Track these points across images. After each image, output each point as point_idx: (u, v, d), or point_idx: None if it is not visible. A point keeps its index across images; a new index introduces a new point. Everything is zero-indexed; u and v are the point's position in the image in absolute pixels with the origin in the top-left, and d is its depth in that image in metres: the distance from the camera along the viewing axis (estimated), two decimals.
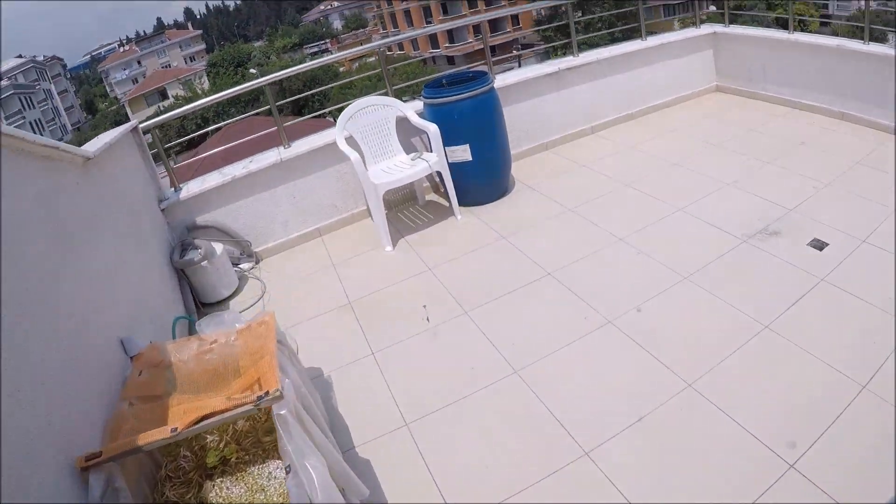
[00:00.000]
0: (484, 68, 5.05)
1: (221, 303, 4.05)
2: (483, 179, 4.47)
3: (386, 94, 4.64)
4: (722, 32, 5.77)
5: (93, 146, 3.13)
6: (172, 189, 4.39)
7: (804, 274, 3.13)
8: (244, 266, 4.51)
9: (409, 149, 4.68)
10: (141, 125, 4.15)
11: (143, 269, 3.29)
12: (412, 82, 5.57)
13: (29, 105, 38.73)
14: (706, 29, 5.87)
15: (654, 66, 5.66)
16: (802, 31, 5.61)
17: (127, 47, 55.06)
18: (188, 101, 35.52)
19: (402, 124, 4.50)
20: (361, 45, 46.73)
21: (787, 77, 5.27)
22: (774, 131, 4.93)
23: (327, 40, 56.75)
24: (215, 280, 4.04)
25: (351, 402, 2.86)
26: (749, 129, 5.04)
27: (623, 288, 3.28)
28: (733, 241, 3.52)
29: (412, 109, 4.43)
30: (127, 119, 39.88)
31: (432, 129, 4.09)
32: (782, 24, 5.74)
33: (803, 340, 2.68)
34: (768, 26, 6.39)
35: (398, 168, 4.26)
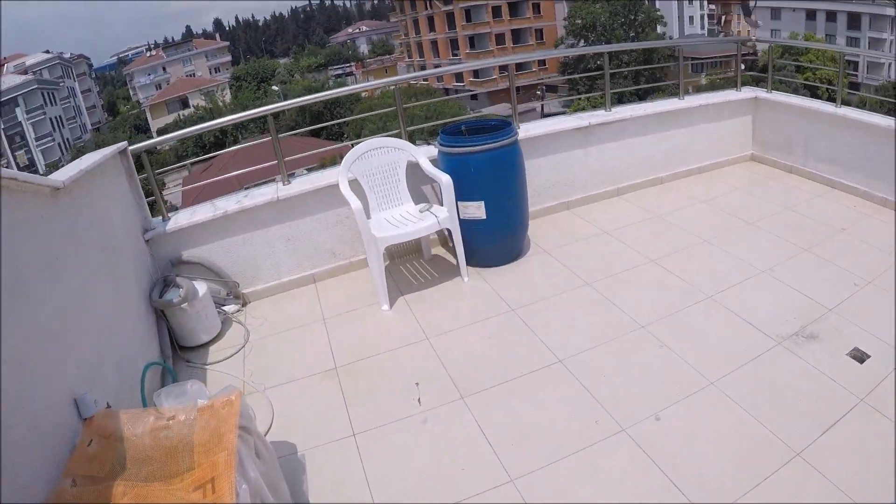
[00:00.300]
0: (509, 116, 4.76)
1: (201, 348, 3.72)
2: (496, 240, 4.13)
3: (399, 135, 4.33)
4: (763, 98, 5.47)
5: (65, 174, 2.82)
6: (160, 218, 4.06)
7: (843, 392, 2.77)
8: (229, 308, 4.17)
9: (418, 198, 4.36)
10: (131, 148, 3.84)
11: (115, 309, 2.99)
12: (430, 124, 5.25)
13: (51, 101, 38.99)
14: (747, 93, 5.57)
15: (690, 129, 5.36)
16: (829, 99, 5.29)
17: (154, 52, 55.73)
18: (208, 112, 35.70)
19: (413, 170, 4.20)
20: (386, 70, 47.03)
21: (829, 153, 4.94)
22: (813, 213, 4.59)
23: (352, 63, 57.27)
24: (195, 323, 3.70)
25: (323, 493, 2.49)
26: (786, 208, 4.70)
27: (641, 387, 2.91)
28: (767, 342, 3.15)
29: (425, 155, 4.13)
30: (146, 124, 40.33)
31: (445, 180, 3.77)
32: (811, 90, 5.43)
33: (837, 475, 2.31)
34: (796, 90, 6.05)
35: (404, 220, 3.93)
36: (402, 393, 3.04)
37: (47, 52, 45.22)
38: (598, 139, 4.97)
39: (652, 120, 5.14)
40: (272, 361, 3.48)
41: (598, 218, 4.87)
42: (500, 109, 32.99)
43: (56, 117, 39.09)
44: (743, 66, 5.75)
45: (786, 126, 5.33)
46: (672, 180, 5.47)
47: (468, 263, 4.15)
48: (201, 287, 3.80)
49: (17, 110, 35.59)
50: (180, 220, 4.01)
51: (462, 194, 3.91)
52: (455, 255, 4.09)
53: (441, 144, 3.99)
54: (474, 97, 38.80)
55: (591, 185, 5.11)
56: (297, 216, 4.20)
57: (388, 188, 4.14)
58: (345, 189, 3.83)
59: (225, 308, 4.17)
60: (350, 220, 4.28)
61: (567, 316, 3.54)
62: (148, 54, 55.86)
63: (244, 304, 4.22)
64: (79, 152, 34.02)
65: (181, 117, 36.28)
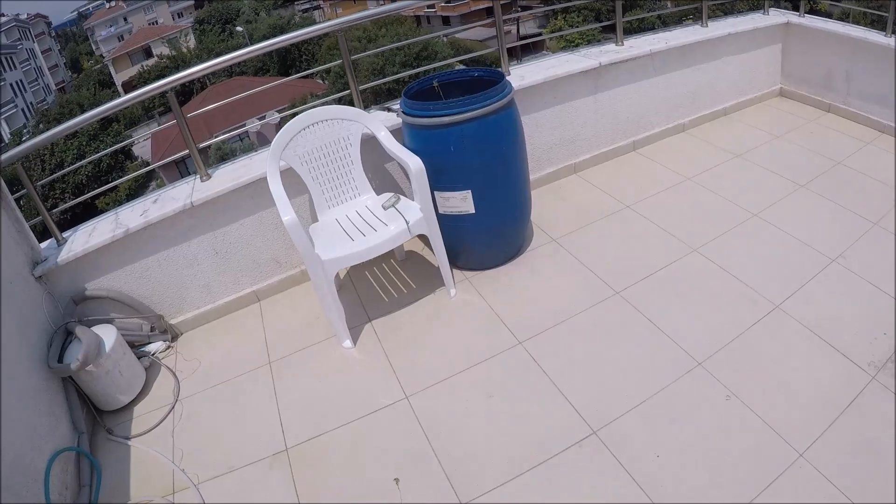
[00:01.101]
0: (492, 52, 3.71)
1: (123, 410, 2.78)
2: (490, 237, 3.12)
3: (351, 102, 3.22)
4: (797, 24, 4.34)
5: None
6: (54, 242, 3.02)
7: None
8: (155, 348, 3.18)
9: (381, 182, 3.30)
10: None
11: None
12: (385, 80, 4.08)
13: (10, 66, 36.60)
14: (776, 17, 4.43)
15: (715, 64, 4.26)
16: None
17: (114, 3, 52.36)
18: (173, 60, 33.58)
19: (372, 145, 3.10)
20: (355, 1, 44.26)
21: (878, 91, 3.85)
22: (869, 167, 3.58)
23: None
24: (106, 384, 2.74)
25: None
26: (835, 162, 3.67)
27: (707, 471, 1.94)
28: (858, 375, 2.23)
29: (384, 127, 3.03)
30: (110, 79, 38.04)
31: (414, 165, 2.72)
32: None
33: None
34: (829, 15, 4.92)
35: (363, 223, 2.89)
36: (374, 492, 2.09)
37: (1, 15, 42.25)
38: (610, 82, 3.87)
39: (673, 55, 4.02)
40: (207, 434, 2.55)
41: (614, 184, 3.82)
42: (478, 33, 30.76)
43: (17, 82, 36.82)
44: None
45: (823, 58, 4.24)
46: (695, 126, 4.41)
47: (457, 264, 3.13)
48: (109, 336, 2.80)
49: None
50: (76, 244, 2.97)
51: (440, 181, 2.86)
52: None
53: (406, 112, 2.88)
54: (446, 21, 36.47)
55: (603, 141, 4.03)
56: (223, 222, 3.15)
57: (339, 175, 3.08)
58: (275, 187, 2.77)
59: (150, 348, 3.18)
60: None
61: (595, 351, 2.56)
62: (108, 6, 52.43)
63: (174, 339, 3.22)
64: (43, 115, 32.21)
65: (144, 68, 34.16)
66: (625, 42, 4.01)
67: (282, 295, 3.36)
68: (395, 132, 3.06)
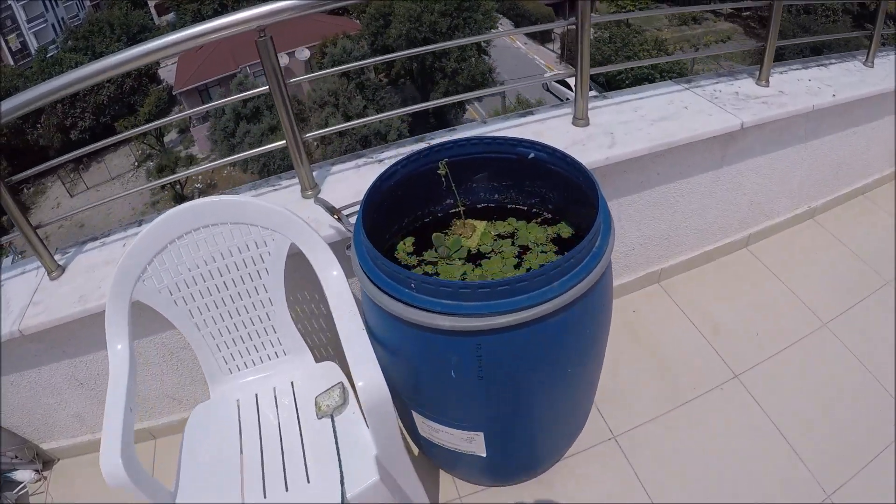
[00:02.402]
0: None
1: None
2: (505, 463, 1.54)
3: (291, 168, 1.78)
4: None
5: None
6: None
7: None
8: (23, 477, 1.90)
9: (329, 327, 1.75)
10: None
11: None
12: (332, 130, 2.51)
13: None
14: None
15: (874, 124, 2.66)
16: None
17: None
18: None
19: (301, 262, 1.54)
20: None
21: None
22: None
23: None
24: None
25: None
26: None
27: None
28: None
29: (335, 261, 1.56)
30: (143, 1, 35.86)
31: (367, 390, 1.20)
32: None
33: None
34: None
35: (277, 441, 1.41)
36: None
37: None
38: (743, 151, 2.28)
39: (834, 112, 2.35)
40: None
41: (716, 312, 2.32)
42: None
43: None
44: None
45: None
46: (827, 210, 2.81)
47: (444, 468, 1.62)
48: None
49: None
50: None
51: (426, 408, 1.32)
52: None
53: (368, 274, 1.27)
54: None
55: (709, 235, 2.45)
56: (83, 349, 1.83)
57: (244, 320, 1.66)
58: (116, 359, 1.43)
59: (15, 475, 1.83)
60: (185, 351, 1.93)
61: None
62: None
63: (45, 464, 1.93)
64: (71, 33, 30.42)
65: None
66: (770, 80, 2.33)
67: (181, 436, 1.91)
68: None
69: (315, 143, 18.69)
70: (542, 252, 1.45)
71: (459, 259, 1.45)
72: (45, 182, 24.41)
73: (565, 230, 1.51)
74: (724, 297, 2.39)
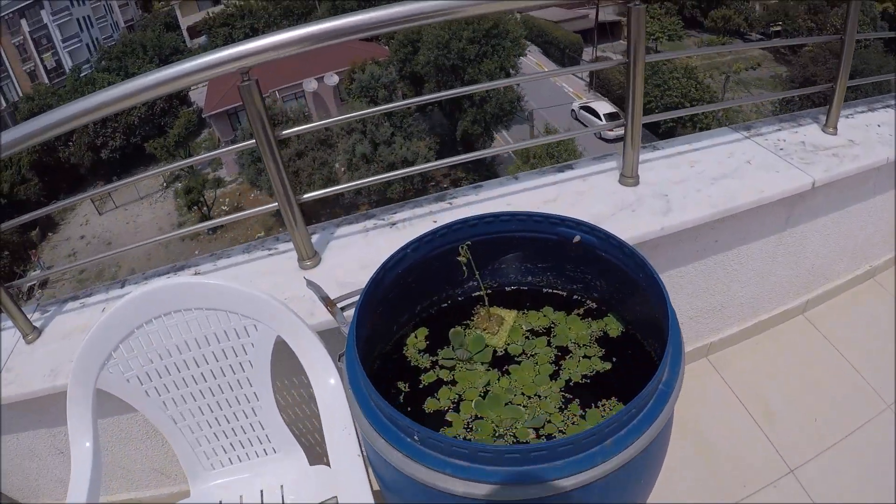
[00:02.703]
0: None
1: None
2: None
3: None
4: None
5: None
6: None
7: None
8: None
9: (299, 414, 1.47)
10: None
11: None
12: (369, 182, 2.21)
13: (80, 1, 35.52)
14: None
15: None
16: None
17: None
18: (238, 8, 31.88)
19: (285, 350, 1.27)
20: None
21: None
22: None
23: None
24: None
25: None
26: None
27: None
28: None
29: (332, 365, 1.16)
30: (176, 22, 36.53)
31: None
32: None
33: None
34: None
35: None
36: None
37: None
38: (810, 210, 1.94)
39: None
40: None
41: (773, 393, 2.01)
42: (554, 13, 27.44)
43: (84, 17, 35.70)
44: None
45: None
46: (887, 268, 2.47)
47: None
48: None
49: (42, 12, 32.46)
50: None
51: None
52: None
53: (362, 408, 0.97)
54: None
55: (765, 304, 2.14)
56: (60, 420, 1.48)
57: (227, 415, 1.39)
58: (77, 447, 1.24)
59: None
60: None
61: None
62: None
63: None
64: (105, 53, 31.10)
65: (210, 15, 32.56)
66: (838, 126, 2.02)
67: None
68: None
69: (342, 170, 18.59)
70: (584, 357, 1.16)
71: (482, 364, 1.16)
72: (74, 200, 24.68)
73: (613, 326, 1.21)
74: (779, 374, 2.08)
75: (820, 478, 1.76)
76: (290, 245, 1.65)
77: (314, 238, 1.69)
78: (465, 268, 1.18)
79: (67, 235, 23.95)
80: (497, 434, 1.05)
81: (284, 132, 1.46)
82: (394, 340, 1.25)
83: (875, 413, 1.92)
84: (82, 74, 29.34)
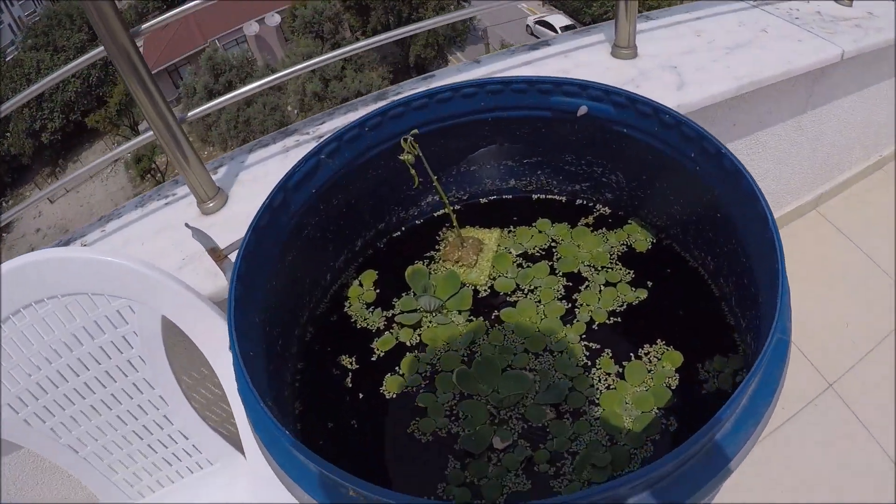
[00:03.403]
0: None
1: None
2: None
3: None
4: None
5: None
6: None
7: None
8: None
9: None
10: None
11: None
12: None
13: None
14: None
15: None
16: None
17: None
18: None
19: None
20: None
21: None
22: None
23: None
24: None
25: None
26: None
27: None
28: None
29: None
30: None
31: None
32: None
33: None
34: None
35: None
36: None
37: None
38: (831, 88, 1.53)
39: None
40: None
41: (802, 306, 1.68)
42: None
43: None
44: None
45: None
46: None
47: None
48: None
49: None
50: None
51: None
52: None
53: (260, 438, 0.59)
54: None
55: (779, 199, 1.84)
56: None
57: (136, 427, 1.02)
58: None
59: None
60: None
61: None
62: None
63: None
64: (30, 30, 28.82)
65: None
66: None
67: None
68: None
69: (295, 112, 17.65)
70: (606, 285, 0.77)
71: (460, 313, 0.76)
72: (22, 192, 23.44)
73: (640, 237, 0.82)
74: (798, 277, 1.75)
75: (860, 390, 1.47)
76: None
77: (220, 172, 1.25)
78: (414, 173, 0.76)
79: (22, 232, 22.71)
80: (497, 420, 0.66)
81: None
82: (330, 295, 0.84)
83: None
84: (8, 58, 27.26)
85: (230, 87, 16.61)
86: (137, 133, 21.86)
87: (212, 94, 16.74)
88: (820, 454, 1.37)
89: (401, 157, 0.75)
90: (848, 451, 1.38)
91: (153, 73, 1.04)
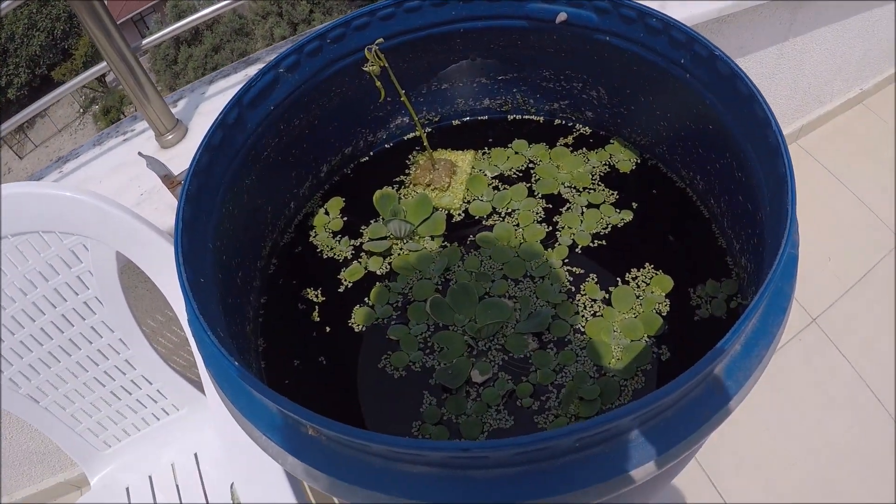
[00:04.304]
0: None
1: None
2: None
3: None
4: None
5: None
6: None
7: None
8: None
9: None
10: None
11: None
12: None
13: None
14: None
15: None
16: None
17: None
18: None
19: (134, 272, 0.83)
20: None
21: None
22: None
23: None
24: None
25: None
26: None
27: None
28: None
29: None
30: None
31: None
32: None
33: None
34: None
35: None
36: None
37: None
38: (816, 16, 1.51)
39: None
40: None
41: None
42: None
43: None
44: None
45: None
46: (878, 90, 2.04)
47: None
48: None
49: None
50: None
51: None
52: None
53: (211, 371, 0.56)
54: None
55: None
56: None
57: (97, 373, 0.92)
58: None
59: None
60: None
61: None
62: None
63: None
64: None
65: None
66: None
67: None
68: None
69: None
70: (588, 207, 0.70)
71: (433, 238, 0.69)
72: None
73: (624, 156, 0.75)
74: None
75: (843, 324, 1.44)
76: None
77: (179, 105, 1.15)
78: (379, 85, 0.67)
79: None
80: (475, 352, 0.60)
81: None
82: (294, 225, 0.76)
83: (887, 250, 1.60)
84: None
85: (197, 34, 15.90)
86: (105, 85, 21.00)
87: (178, 42, 16.02)
88: (804, 389, 1.36)
89: (364, 68, 0.66)
90: (831, 385, 1.36)
91: (118, 22, 0.93)
